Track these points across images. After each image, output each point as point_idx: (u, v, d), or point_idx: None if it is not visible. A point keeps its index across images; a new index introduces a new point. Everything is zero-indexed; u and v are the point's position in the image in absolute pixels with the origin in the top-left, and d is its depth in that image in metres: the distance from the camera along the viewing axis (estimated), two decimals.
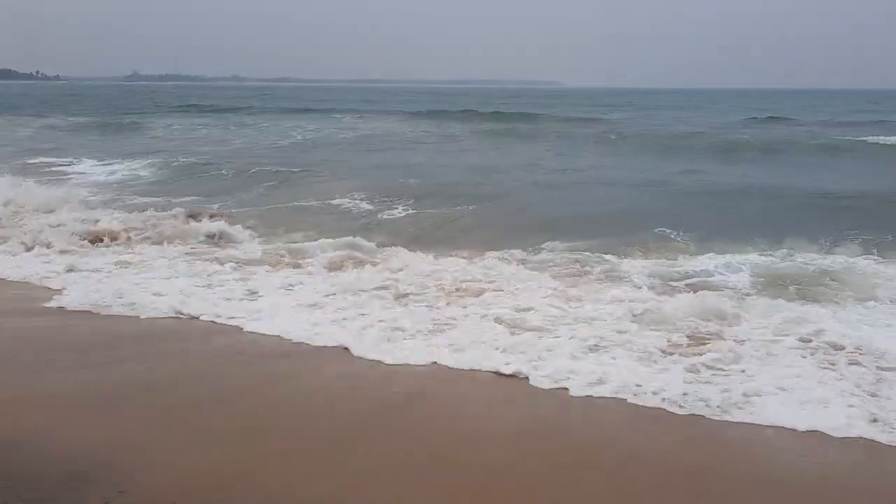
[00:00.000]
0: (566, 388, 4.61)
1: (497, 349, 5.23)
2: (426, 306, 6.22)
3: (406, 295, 6.57)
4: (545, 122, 32.34)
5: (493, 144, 23.14)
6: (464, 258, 7.96)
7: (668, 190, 13.60)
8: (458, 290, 6.69)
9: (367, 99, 68.12)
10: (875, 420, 4.12)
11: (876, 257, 7.94)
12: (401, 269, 7.37)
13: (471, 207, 11.37)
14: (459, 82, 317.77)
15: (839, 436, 3.99)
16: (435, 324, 5.76)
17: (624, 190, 13.65)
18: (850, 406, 4.27)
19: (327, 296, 6.55)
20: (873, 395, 4.43)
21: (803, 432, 4.05)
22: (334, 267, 7.61)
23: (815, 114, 41.40)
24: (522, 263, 7.72)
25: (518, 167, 17.13)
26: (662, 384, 4.59)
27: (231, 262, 7.78)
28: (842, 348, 5.17)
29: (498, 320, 5.79)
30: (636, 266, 7.54)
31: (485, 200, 11.82)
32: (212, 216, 10.06)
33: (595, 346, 5.23)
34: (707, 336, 5.45)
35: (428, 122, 33.48)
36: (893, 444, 3.91)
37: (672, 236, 9.08)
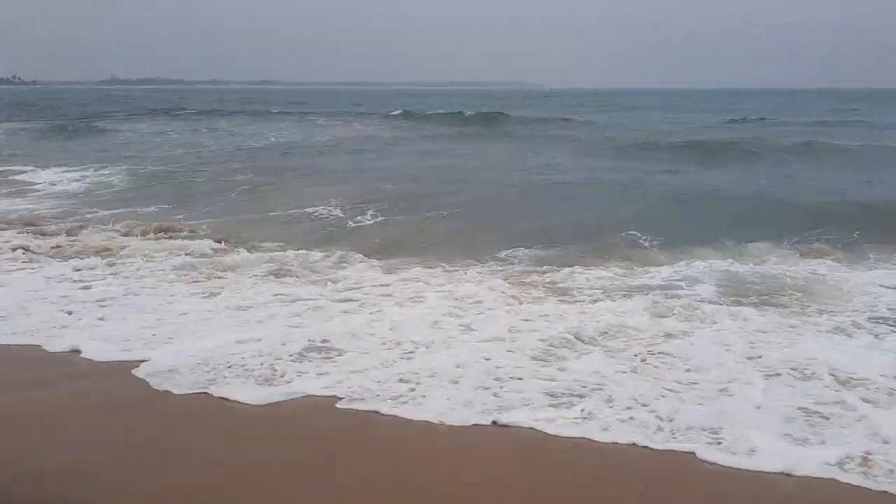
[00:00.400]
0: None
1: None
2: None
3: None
4: (522, 125, 32.33)
5: (471, 147, 23.01)
6: (425, 268, 7.80)
7: (643, 192, 13.63)
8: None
9: (349, 102, 68.00)
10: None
11: (841, 264, 7.89)
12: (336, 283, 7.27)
13: (444, 213, 11.25)
14: (439, 84, 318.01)
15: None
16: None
17: (598, 192, 13.64)
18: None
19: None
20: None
21: None
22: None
23: (798, 114, 41.82)
24: (477, 275, 7.53)
25: (495, 170, 17.01)
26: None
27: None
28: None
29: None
30: (594, 277, 7.39)
31: (457, 206, 11.69)
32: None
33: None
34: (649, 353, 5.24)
35: (408, 125, 33.36)
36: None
37: (642, 241, 9.01)
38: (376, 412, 4.39)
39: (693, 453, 3.88)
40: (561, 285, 7.13)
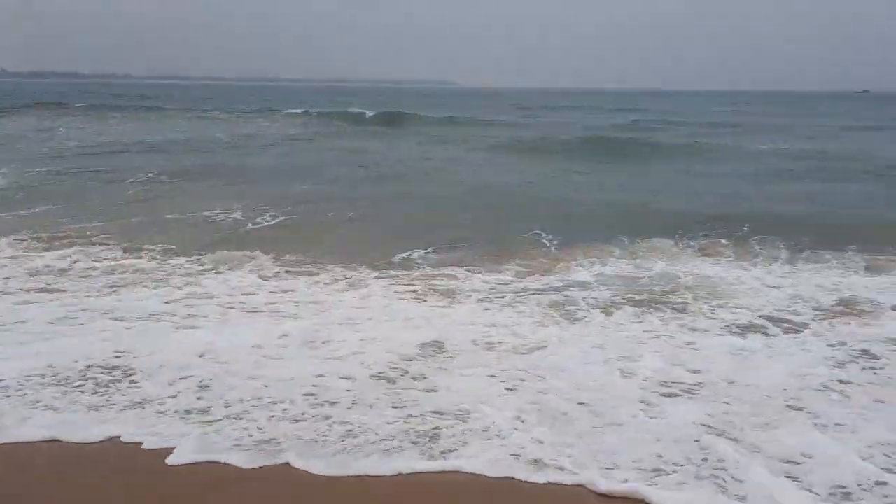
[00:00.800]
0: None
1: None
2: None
3: None
4: (426, 124, 32.31)
5: (374, 146, 22.78)
6: (307, 274, 7.56)
7: (548, 191, 13.86)
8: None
9: (260, 98, 66.27)
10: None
11: (734, 262, 8.15)
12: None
13: (350, 214, 11.08)
14: (354, 81, 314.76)
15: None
16: None
17: (503, 191, 13.76)
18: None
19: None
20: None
21: None
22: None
23: (703, 115, 43.70)
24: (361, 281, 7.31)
25: (402, 169, 16.97)
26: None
27: None
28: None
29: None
30: (493, 279, 7.32)
31: (359, 208, 11.55)
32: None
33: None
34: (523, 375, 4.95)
35: (316, 122, 32.75)
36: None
37: (545, 241, 9.08)
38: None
39: (582, 486, 3.62)
40: (449, 288, 7.02)
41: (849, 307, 6.50)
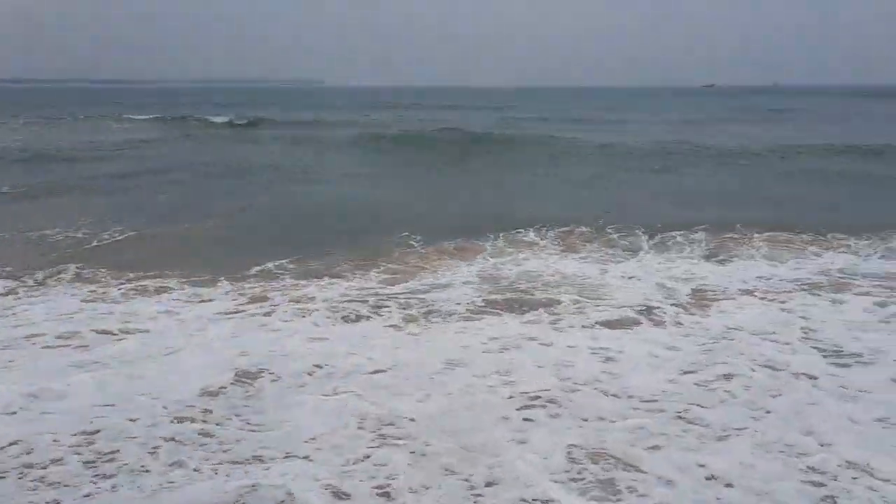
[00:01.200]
0: None
1: None
2: None
3: None
4: (281, 128, 31.34)
5: (238, 152, 21.76)
6: (146, 292, 6.95)
7: (416, 192, 13.78)
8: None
9: (111, 101, 62.08)
10: None
11: (601, 256, 8.28)
12: None
13: (209, 224, 10.51)
14: (213, 81, 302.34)
15: None
16: None
17: (367, 192, 13.64)
18: None
19: None
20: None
21: None
22: None
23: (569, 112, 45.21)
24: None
25: (259, 174, 16.34)
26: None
27: None
28: None
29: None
30: (355, 287, 7.05)
31: (222, 217, 10.99)
32: None
33: None
34: None
35: (168, 127, 30.94)
36: None
37: (413, 243, 8.90)
38: None
39: None
40: (305, 297, 6.69)
41: (699, 297, 6.76)
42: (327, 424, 4.22)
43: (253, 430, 4.18)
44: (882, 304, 6.43)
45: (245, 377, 4.89)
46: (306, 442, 4.03)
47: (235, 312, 6.32)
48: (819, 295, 6.76)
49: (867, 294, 6.77)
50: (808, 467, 3.74)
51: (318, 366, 5.07)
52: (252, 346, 5.44)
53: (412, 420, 4.27)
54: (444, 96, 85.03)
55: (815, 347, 5.42)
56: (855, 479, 3.64)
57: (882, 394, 4.61)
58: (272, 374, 4.95)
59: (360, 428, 4.19)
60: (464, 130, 25.14)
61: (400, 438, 4.06)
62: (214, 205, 12.25)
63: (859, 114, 42.60)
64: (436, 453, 3.90)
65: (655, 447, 3.94)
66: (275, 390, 4.71)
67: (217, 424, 4.23)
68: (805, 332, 5.73)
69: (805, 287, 7.04)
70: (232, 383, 4.78)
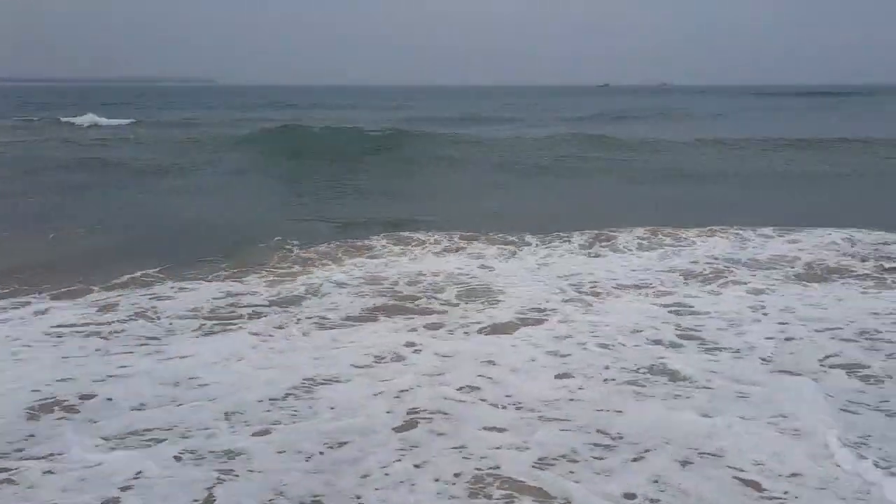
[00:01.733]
0: None
1: None
2: None
3: None
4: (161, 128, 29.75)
5: (107, 154, 20.17)
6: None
7: (288, 193, 13.52)
8: None
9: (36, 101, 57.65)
10: None
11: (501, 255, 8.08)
12: None
13: (80, 230, 9.68)
14: (105, 81, 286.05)
15: None
16: None
17: (238, 193, 13.18)
18: None
19: None
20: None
21: None
22: None
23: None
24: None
25: (124, 179, 15.29)
26: None
27: None
28: None
29: None
30: (225, 292, 6.56)
31: (91, 221, 10.29)
32: None
33: None
34: None
35: (31, 132, 28.59)
36: None
37: (289, 247, 8.41)
38: None
39: None
40: (152, 310, 6.11)
41: (591, 293, 6.65)
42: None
43: None
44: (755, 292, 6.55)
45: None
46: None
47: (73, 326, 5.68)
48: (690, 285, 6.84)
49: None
50: None
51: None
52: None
53: (245, 456, 3.64)
54: (337, 95, 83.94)
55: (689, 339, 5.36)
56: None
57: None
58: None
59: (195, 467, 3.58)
60: (349, 129, 24.57)
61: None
62: (89, 207, 11.52)
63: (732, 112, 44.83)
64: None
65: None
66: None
67: None
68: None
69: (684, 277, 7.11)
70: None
